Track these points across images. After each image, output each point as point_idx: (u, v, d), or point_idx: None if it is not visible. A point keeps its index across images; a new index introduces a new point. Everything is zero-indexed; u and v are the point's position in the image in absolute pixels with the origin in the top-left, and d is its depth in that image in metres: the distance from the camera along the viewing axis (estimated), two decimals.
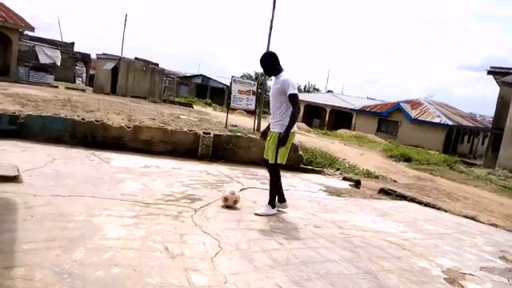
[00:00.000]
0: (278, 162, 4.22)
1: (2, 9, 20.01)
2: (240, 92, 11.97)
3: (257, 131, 11.81)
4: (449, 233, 4.84)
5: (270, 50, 12.75)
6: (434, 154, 21.07)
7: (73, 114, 7.55)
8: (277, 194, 4.35)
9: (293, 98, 4.11)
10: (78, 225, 3.15)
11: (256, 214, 4.17)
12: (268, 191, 4.39)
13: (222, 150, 7.42)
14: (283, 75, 4.21)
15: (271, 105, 4.34)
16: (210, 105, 31.40)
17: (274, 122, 4.25)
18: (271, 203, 4.31)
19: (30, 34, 23.75)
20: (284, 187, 4.58)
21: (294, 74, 4.37)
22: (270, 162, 4.24)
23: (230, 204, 4.27)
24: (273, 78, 4.37)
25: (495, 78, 21.78)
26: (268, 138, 4.31)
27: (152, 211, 3.76)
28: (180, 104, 23.68)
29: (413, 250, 3.87)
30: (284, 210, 4.45)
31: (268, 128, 4.47)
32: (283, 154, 4.23)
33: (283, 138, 4.10)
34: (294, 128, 4.24)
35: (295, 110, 4.12)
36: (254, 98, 12.27)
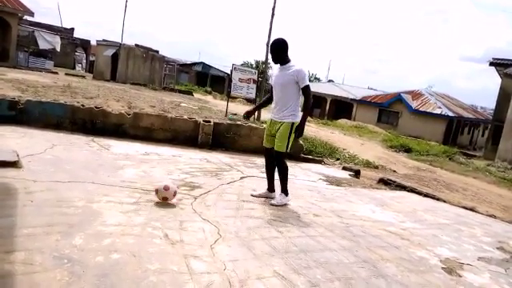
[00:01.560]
0: (288, 150, 4.25)
1: None
2: (240, 80, 11.89)
3: (257, 120, 11.78)
4: (447, 223, 4.86)
5: (271, 38, 12.64)
6: (434, 145, 21.06)
7: (72, 101, 7.51)
8: (287, 182, 4.34)
9: (307, 90, 4.12)
10: (78, 211, 3.15)
11: (272, 205, 4.19)
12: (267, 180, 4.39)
13: (222, 138, 7.40)
14: (294, 65, 4.15)
15: (278, 94, 4.22)
16: (210, 93, 31.26)
17: (286, 112, 4.15)
18: (284, 191, 4.32)
19: (30, 18, 23.49)
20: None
21: (302, 65, 4.26)
22: (280, 150, 4.19)
23: (159, 198, 3.69)
24: (277, 66, 4.27)
25: (497, 70, 21.66)
26: (276, 128, 4.22)
27: (152, 198, 3.76)
28: (180, 92, 23.57)
29: (411, 240, 3.89)
30: (272, 201, 4.32)
31: (254, 110, 4.85)
32: (292, 143, 4.28)
33: (301, 130, 4.18)
34: (300, 118, 4.24)
35: (309, 102, 4.15)
36: (254, 86, 12.20)
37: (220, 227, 3.30)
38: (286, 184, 4.33)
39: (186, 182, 4.57)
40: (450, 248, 3.86)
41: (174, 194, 3.73)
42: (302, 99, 4.24)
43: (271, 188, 4.47)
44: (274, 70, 4.43)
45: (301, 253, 3.05)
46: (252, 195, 4.44)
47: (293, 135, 4.18)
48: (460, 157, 17.26)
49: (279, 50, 4.19)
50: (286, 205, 4.27)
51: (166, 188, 3.67)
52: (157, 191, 3.68)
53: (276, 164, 4.31)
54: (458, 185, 9.26)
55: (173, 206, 3.66)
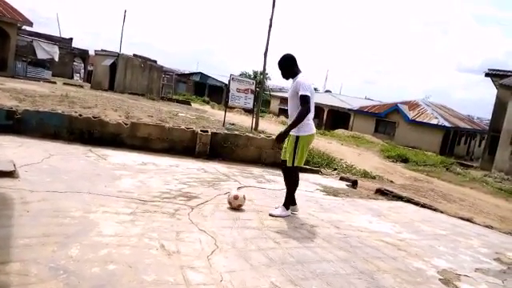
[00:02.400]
0: (296, 164, 4.23)
1: None
2: (238, 90, 11.94)
3: (254, 130, 11.80)
4: (445, 234, 4.86)
5: (268, 48, 12.74)
6: (431, 155, 21.12)
7: (70, 110, 7.51)
8: (292, 196, 4.38)
9: (302, 99, 4.05)
10: (74, 221, 3.14)
11: (270, 215, 4.20)
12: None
13: (220, 148, 7.41)
14: (298, 77, 4.18)
15: (288, 107, 4.32)
16: (208, 103, 31.35)
17: None
18: (286, 205, 4.32)
19: (28, 28, 23.56)
20: (281, 186, 4.59)
21: (310, 75, 4.25)
22: (288, 164, 4.24)
23: (234, 206, 4.24)
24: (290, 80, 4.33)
25: (493, 81, 21.82)
26: (286, 140, 4.28)
27: (148, 208, 3.76)
28: (178, 101, 23.62)
29: (408, 251, 3.88)
30: (295, 212, 4.45)
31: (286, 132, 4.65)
32: (301, 157, 4.23)
33: (278, 136, 4.17)
34: (313, 130, 4.26)
35: (302, 110, 4.05)
36: (252, 96, 12.24)
37: (217, 238, 3.29)
38: (290, 199, 4.34)
39: (183, 193, 4.57)
40: (447, 259, 3.86)
41: (244, 197, 4.26)
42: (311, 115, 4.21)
43: (292, 201, 4.47)
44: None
45: (298, 264, 3.05)
46: (271, 214, 4.26)
47: (301, 149, 4.17)
48: (457, 167, 17.31)
49: (284, 67, 4.26)
50: (283, 217, 4.24)
51: (236, 197, 4.21)
52: (230, 203, 4.21)
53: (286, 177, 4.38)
54: (454, 195, 9.28)
55: (170, 216, 3.66)
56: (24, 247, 2.54)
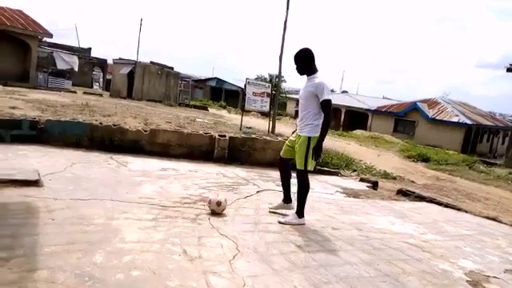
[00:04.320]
0: (308, 168, 4.00)
1: (21, 16, 20.52)
2: (254, 94, 11.97)
3: (271, 133, 11.79)
4: (470, 234, 4.74)
5: (283, 51, 12.71)
6: (453, 153, 20.68)
7: (91, 119, 7.66)
8: (304, 202, 4.08)
9: (326, 105, 3.84)
10: (98, 228, 3.19)
11: (279, 223, 3.99)
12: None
13: (238, 152, 7.43)
14: (317, 77, 3.95)
15: (301, 107, 4.08)
16: (224, 107, 31.49)
17: (304, 125, 4.00)
18: (298, 212, 4.06)
19: (48, 40, 24.24)
20: None
21: (327, 76, 4.06)
22: (299, 167, 4.02)
23: (219, 212, 4.02)
24: (304, 77, 4.07)
25: None
26: (296, 141, 4.08)
27: (170, 214, 3.78)
28: (195, 107, 23.81)
29: (433, 252, 3.80)
30: (288, 212, 4.25)
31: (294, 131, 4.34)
32: (312, 160, 3.99)
33: (317, 149, 3.91)
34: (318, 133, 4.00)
35: (328, 119, 3.86)
36: (268, 99, 12.24)
37: (238, 242, 3.29)
38: (302, 205, 4.06)
39: (204, 197, 4.58)
40: (474, 260, 3.76)
41: (226, 200, 4.13)
42: None
43: (286, 199, 4.34)
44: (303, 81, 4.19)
45: (320, 267, 3.01)
46: (270, 209, 4.37)
47: (311, 152, 3.94)
48: (480, 165, 16.89)
49: (301, 61, 4.01)
50: (295, 225, 3.98)
51: (219, 204, 4.01)
52: (210, 202, 4.04)
53: (297, 181, 4.11)
54: (479, 194, 9.05)
55: (191, 221, 3.67)
56: (50, 255, 2.59)
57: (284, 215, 4.18)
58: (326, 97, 3.84)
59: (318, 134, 3.93)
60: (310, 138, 3.93)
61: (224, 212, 4.09)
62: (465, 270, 3.43)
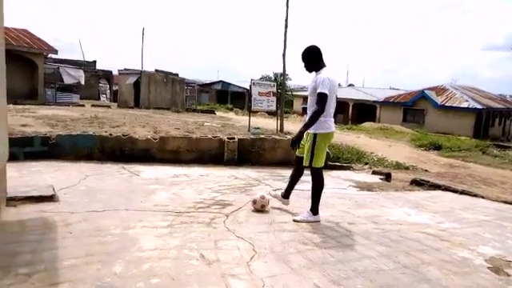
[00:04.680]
0: (314, 165, 3.97)
1: (26, 35, 20.82)
2: (260, 94, 11.99)
3: (280, 132, 11.78)
4: (488, 220, 4.68)
5: (286, 49, 12.69)
6: (465, 139, 20.46)
7: (100, 131, 7.74)
8: (318, 199, 4.07)
9: (319, 96, 3.82)
10: (115, 238, 3.22)
11: (294, 221, 4.01)
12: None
13: (248, 154, 7.44)
14: (322, 72, 3.94)
15: (308, 104, 4.09)
16: (231, 109, 31.59)
17: None
18: (313, 209, 4.05)
19: (54, 56, 24.53)
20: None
21: (332, 71, 3.99)
22: (304, 164, 4.03)
23: (257, 207, 4.27)
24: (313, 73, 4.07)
25: None
26: (305, 138, 4.04)
27: (185, 219, 3.81)
28: (202, 111, 23.90)
29: (452, 241, 3.76)
30: (285, 206, 4.42)
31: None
32: (319, 157, 3.96)
33: (294, 140, 3.95)
34: (332, 128, 4.01)
35: (317, 109, 3.81)
36: (274, 98, 12.25)
37: (254, 243, 3.30)
38: (316, 203, 4.06)
39: (217, 201, 4.60)
40: (494, 246, 3.71)
41: (268, 202, 4.32)
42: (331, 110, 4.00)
43: (286, 194, 4.41)
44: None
45: (338, 263, 3.00)
46: (270, 193, 4.52)
47: (320, 147, 3.94)
48: (494, 149, 16.68)
49: (308, 59, 4.04)
50: (310, 222, 3.99)
51: (262, 197, 4.29)
52: (255, 201, 4.28)
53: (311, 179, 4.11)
54: (494, 178, 8.94)
55: (206, 225, 3.69)
56: (70, 268, 2.63)
57: (296, 214, 4.19)
58: (321, 90, 3.81)
59: (324, 130, 3.93)
60: (315, 135, 3.92)
61: (238, 214, 4.11)
62: (485, 257, 3.38)
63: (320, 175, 4.05)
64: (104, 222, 3.56)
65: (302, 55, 4.07)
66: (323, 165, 4.09)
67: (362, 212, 4.59)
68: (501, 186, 8.01)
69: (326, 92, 3.82)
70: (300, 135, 3.94)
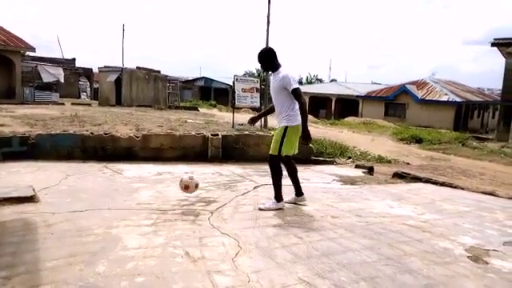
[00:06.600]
0: (283, 153, 4.22)
1: (2, 33, 20.24)
2: (244, 90, 11.97)
3: (264, 128, 11.80)
4: (468, 210, 4.79)
5: (269, 45, 12.70)
6: (445, 132, 20.87)
7: (81, 129, 7.61)
8: (279, 186, 4.29)
9: (296, 92, 4.13)
10: (98, 238, 3.18)
11: (259, 209, 4.19)
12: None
13: (232, 150, 7.43)
14: (281, 71, 4.22)
15: (274, 102, 4.37)
16: (214, 106, 31.46)
17: (282, 117, 4.26)
18: (276, 197, 4.29)
19: (32, 54, 23.98)
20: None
21: (291, 69, 4.42)
22: (272, 153, 4.24)
23: (181, 186, 4.20)
24: (271, 73, 4.42)
25: (500, 50, 21.38)
26: (275, 132, 4.36)
27: (169, 217, 3.78)
28: (185, 108, 23.72)
29: (433, 232, 3.84)
30: (302, 203, 4.48)
31: (259, 116, 5.27)
32: (286, 147, 4.22)
33: (307, 134, 4.17)
34: (299, 121, 4.23)
35: (302, 103, 4.16)
36: (258, 94, 12.25)
37: (240, 239, 3.30)
38: (278, 190, 4.29)
39: (201, 198, 4.59)
40: (474, 235, 3.80)
41: (196, 186, 4.19)
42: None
43: (298, 192, 4.50)
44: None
45: (323, 257, 3.04)
46: (287, 202, 4.45)
47: (288, 139, 4.19)
48: (473, 141, 17.06)
49: (264, 60, 4.33)
50: (277, 210, 4.20)
51: (191, 178, 4.19)
52: (181, 180, 4.16)
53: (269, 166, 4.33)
54: (474, 170, 9.15)
55: (191, 223, 3.68)
56: (52, 269, 2.58)
57: (264, 203, 4.37)
58: (294, 86, 4.13)
59: (294, 123, 4.20)
60: (286, 128, 4.20)
61: (223, 211, 4.10)
62: (465, 246, 3.47)
63: (278, 164, 4.30)
64: (86, 222, 3.51)
65: (259, 58, 4.36)
66: (291, 154, 4.33)
67: (346, 205, 4.65)
68: (480, 177, 8.20)
69: (299, 86, 4.22)
70: (307, 130, 4.19)
